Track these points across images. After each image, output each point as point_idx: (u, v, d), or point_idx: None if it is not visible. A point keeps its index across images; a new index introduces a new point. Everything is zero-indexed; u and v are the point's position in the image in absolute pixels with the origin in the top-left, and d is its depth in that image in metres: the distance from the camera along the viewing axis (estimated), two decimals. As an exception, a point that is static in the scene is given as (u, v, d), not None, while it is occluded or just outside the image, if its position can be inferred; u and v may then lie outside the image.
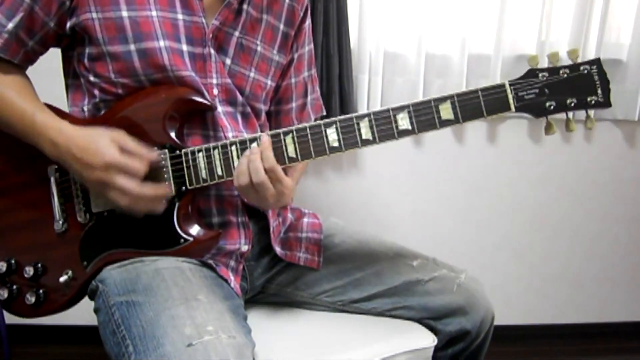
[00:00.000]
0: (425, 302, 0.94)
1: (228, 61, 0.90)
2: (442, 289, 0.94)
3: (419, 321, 0.96)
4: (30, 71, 0.91)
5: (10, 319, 0.93)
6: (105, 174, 0.78)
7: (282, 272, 1.00)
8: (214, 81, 0.88)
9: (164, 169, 0.83)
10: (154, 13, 0.83)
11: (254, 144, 0.81)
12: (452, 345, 0.95)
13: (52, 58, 0.92)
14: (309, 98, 1.07)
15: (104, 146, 0.78)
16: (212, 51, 0.87)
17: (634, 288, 1.85)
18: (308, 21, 1.02)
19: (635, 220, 1.80)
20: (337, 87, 1.50)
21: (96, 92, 0.86)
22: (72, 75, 0.90)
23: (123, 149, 0.79)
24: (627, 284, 1.85)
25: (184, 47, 0.85)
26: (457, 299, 0.93)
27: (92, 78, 0.85)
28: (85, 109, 0.88)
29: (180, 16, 0.85)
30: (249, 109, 0.94)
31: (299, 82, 1.04)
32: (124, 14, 0.81)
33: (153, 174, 0.83)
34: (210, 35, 0.87)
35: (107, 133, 0.80)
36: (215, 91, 0.89)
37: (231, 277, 0.89)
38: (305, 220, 1.03)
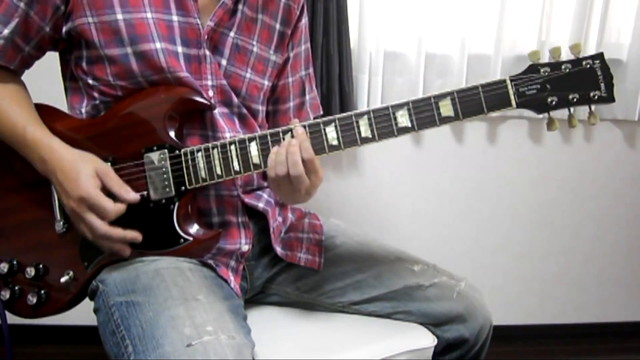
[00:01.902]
0: (424, 308, 0.94)
1: (224, 62, 0.90)
2: (442, 295, 0.94)
3: (418, 325, 0.96)
4: (30, 73, 0.91)
5: (10, 319, 0.93)
6: (77, 206, 0.79)
7: (283, 272, 1.00)
8: (209, 83, 0.88)
9: (163, 169, 0.83)
10: (148, 15, 0.83)
11: (291, 138, 0.79)
12: (450, 352, 0.95)
13: (51, 60, 0.92)
14: (307, 97, 1.06)
15: (84, 178, 0.78)
16: (208, 52, 0.87)
17: (634, 288, 1.85)
18: (304, 20, 1.02)
19: (635, 220, 1.80)
20: (337, 87, 1.50)
21: (95, 94, 0.86)
22: (70, 78, 0.90)
23: (104, 186, 0.79)
24: (627, 284, 1.85)
25: (179, 49, 0.85)
26: (457, 306, 0.93)
27: (90, 81, 0.85)
28: (84, 110, 0.88)
29: (175, 17, 0.85)
30: (245, 110, 0.93)
31: (296, 81, 1.04)
32: (119, 17, 0.81)
33: (152, 176, 0.83)
34: (206, 37, 0.87)
35: (92, 164, 0.81)
36: (211, 92, 0.88)
37: (231, 277, 0.89)
38: (306, 220, 1.03)
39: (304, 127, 0.80)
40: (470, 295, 0.95)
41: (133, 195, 0.81)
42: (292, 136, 0.80)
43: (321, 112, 1.11)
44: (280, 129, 0.81)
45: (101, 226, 0.79)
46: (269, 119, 1.04)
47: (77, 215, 0.80)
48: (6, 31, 0.82)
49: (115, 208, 0.79)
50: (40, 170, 0.82)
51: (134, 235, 0.81)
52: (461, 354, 0.95)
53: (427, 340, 0.93)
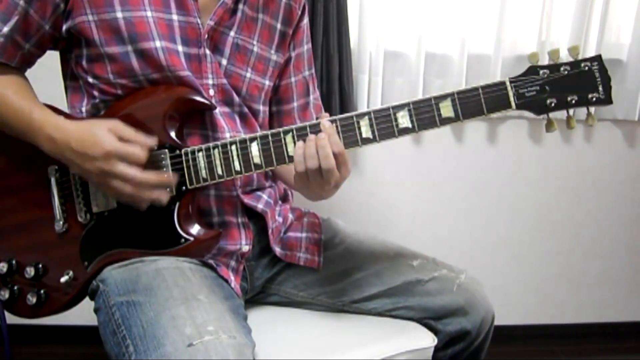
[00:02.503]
0: (425, 302, 0.94)
1: (224, 61, 0.90)
2: (442, 289, 0.94)
3: (419, 321, 0.96)
4: (30, 73, 0.91)
5: (10, 318, 0.92)
6: (105, 163, 0.77)
7: (283, 272, 1.00)
8: (210, 82, 0.88)
9: (164, 169, 0.83)
10: (148, 14, 0.83)
11: (320, 132, 0.79)
12: (452, 345, 0.95)
13: (51, 60, 0.92)
14: (310, 97, 1.06)
15: (102, 136, 0.78)
16: (208, 51, 0.87)
17: (634, 288, 1.85)
18: (306, 19, 1.02)
19: (635, 220, 1.80)
20: (337, 87, 1.50)
21: (95, 93, 0.86)
22: (70, 77, 0.90)
23: (121, 138, 0.78)
24: (627, 284, 1.85)
25: (180, 48, 0.85)
26: (457, 299, 0.93)
27: (90, 79, 0.85)
28: (84, 110, 0.88)
29: (175, 17, 0.85)
30: (246, 110, 0.93)
31: (300, 81, 1.04)
32: (119, 15, 0.81)
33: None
34: (206, 36, 0.87)
35: (103, 123, 0.80)
36: (212, 92, 0.88)
37: (231, 277, 0.89)
38: (305, 220, 1.03)
39: (306, 127, 0.80)
40: (470, 287, 0.95)
41: (152, 140, 0.80)
42: (311, 132, 0.80)
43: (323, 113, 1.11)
44: (281, 129, 0.81)
45: (137, 173, 0.78)
46: (274, 120, 1.04)
47: (107, 174, 0.78)
48: (6, 29, 0.82)
49: (143, 152, 0.78)
50: (50, 151, 0.81)
51: (168, 178, 0.81)
52: (464, 347, 0.95)
53: (427, 340, 0.93)
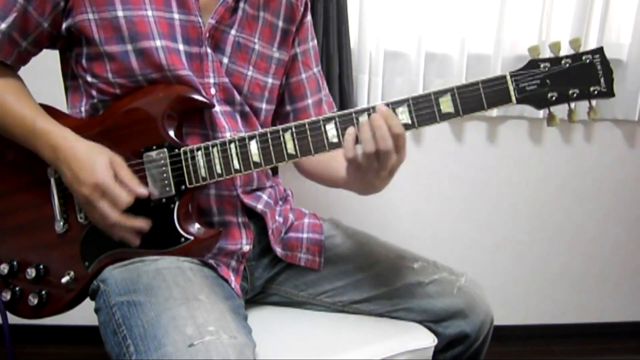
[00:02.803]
0: (425, 305, 0.94)
1: (225, 60, 0.90)
2: (442, 291, 0.94)
3: (419, 323, 0.95)
4: (30, 73, 0.91)
5: (11, 319, 0.92)
6: (91, 193, 0.78)
7: (283, 272, 1.00)
8: (211, 80, 0.88)
9: (163, 168, 0.83)
10: (149, 12, 0.83)
11: (374, 114, 0.76)
12: (452, 348, 0.95)
13: (51, 60, 0.92)
14: (322, 94, 1.06)
15: (99, 166, 0.78)
16: (209, 50, 0.87)
17: (634, 288, 1.85)
18: (309, 16, 1.02)
19: (636, 220, 1.80)
20: (337, 87, 1.50)
21: (94, 92, 0.86)
22: (70, 77, 0.90)
23: (117, 175, 0.79)
24: (627, 284, 1.85)
25: (181, 47, 0.85)
26: (457, 302, 0.93)
27: (89, 79, 0.85)
28: (84, 109, 0.88)
29: (176, 15, 0.85)
30: (247, 108, 0.93)
31: (311, 78, 1.03)
32: (120, 13, 0.81)
33: (152, 175, 0.83)
34: (207, 34, 0.87)
35: (107, 154, 0.81)
36: (213, 90, 0.88)
37: (232, 277, 0.89)
38: (306, 220, 1.03)
39: (305, 124, 0.79)
40: (470, 290, 0.95)
41: (143, 190, 0.81)
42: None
43: (335, 109, 1.10)
44: (280, 127, 0.81)
45: (113, 214, 0.79)
46: (290, 119, 1.03)
47: (90, 203, 0.79)
48: (4, 25, 0.82)
49: (127, 198, 0.79)
50: (49, 159, 0.82)
51: (143, 224, 0.82)
52: (463, 350, 0.95)
53: (427, 340, 0.93)
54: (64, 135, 0.81)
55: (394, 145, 0.75)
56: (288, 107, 1.03)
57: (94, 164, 0.78)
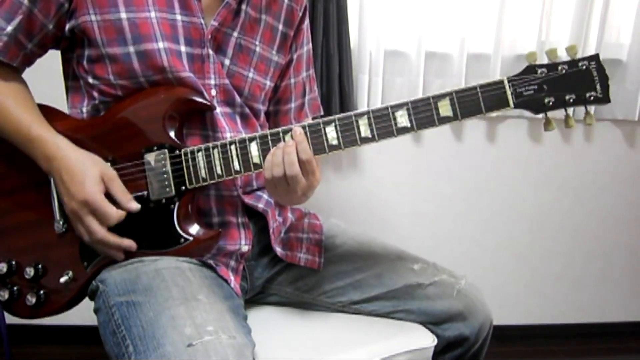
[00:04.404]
0: (424, 307, 0.94)
1: (227, 62, 0.90)
2: (441, 294, 0.94)
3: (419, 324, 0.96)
4: (31, 73, 0.91)
5: (10, 319, 0.92)
6: (79, 208, 0.79)
7: (283, 272, 1.00)
8: (212, 82, 0.88)
9: (164, 169, 0.83)
10: (152, 14, 0.83)
11: (289, 139, 0.80)
12: (450, 351, 0.95)
13: (52, 60, 0.92)
14: (307, 98, 1.07)
15: (90, 181, 0.79)
16: (211, 52, 0.87)
17: (634, 288, 1.85)
18: (306, 21, 1.02)
19: (636, 220, 1.80)
20: (337, 87, 1.50)
21: (95, 94, 0.85)
22: (71, 77, 0.90)
23: (108, 190, 0.80)
24: (627, 284, 1.85)
25: (183, 48, 0.85)
26: (457, 304, 0.93)
27: (91, 80, 0.85)
28: (85, 110, 0.88)
29: (178, 17, 0.85)
30: (247, 110, 0.93)
31: (298, 83, 1.04)
32: (123, 15, 0.81)
33: (152, 175, 0.83)
34: (209, 36, 0.87)
35: (99, 166, 0.81)
36: (214, 92, 0.88)
37: (231, 277, 0.89)
38: (306, 220, 1.03)
39: (304, 127, 0.80)
40: (470, 293, 0.95)
41: (135, 205, 0.82)
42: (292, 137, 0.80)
43: (321, 113, 1.11)
44: (280, 129, 0.81)
45: (99, 231, 0.80)
46: (270, 120, 1.04)
47: (78, 218, 0.80)
48: (9, 28, 0.82)
49: (117, 215, 0.80)
50: (43, 167, 0.82)
51: (130, 243, 0.82)
52: (462, 353, 0.95)
53: (427, 340, 0.93)
54: (56, 143, 0.81)
55: (302, 170, 0.78)
56: (271, 108, 1.04)
57: (84, 178, 0.79)
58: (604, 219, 1.79)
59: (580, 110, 0.81)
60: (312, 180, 0.80)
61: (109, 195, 0.80)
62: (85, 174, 0.79)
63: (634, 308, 1.87)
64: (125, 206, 0.81)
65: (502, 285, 1.79)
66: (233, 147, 0.82)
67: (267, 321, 0.96)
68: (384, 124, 0.80)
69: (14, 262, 0.88)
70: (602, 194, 1.76)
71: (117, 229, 0.83)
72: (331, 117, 0.80)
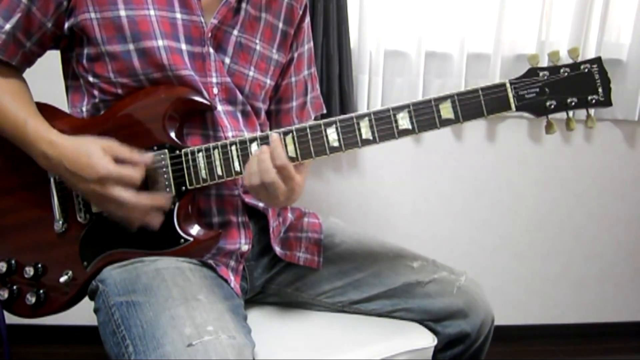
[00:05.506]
0: (425, 304, 0.94)
1: (227, 60, 0.90)
2: (442, 291, 0.94)
3: (419, 323, 0.95)
4: (31, 73, 0.91)
5: (10, 318, 0.92)
6: (100, 187, 0.78)
7: (282, 272, 1.00)
8: (214, 80, 0.88)
9: (164, 169, 0.83)
10: (152, 12, 0.83)
11: (264, 146, 0.79)
12: (452, 348, 0.95)
13: (52, 60, 0.92)
14: (309, 96, 1.06)
15: (96, 158, 0.78)
16: (211, 50, 0.87)
17: (634, 288, 1.85)
18: (307, 19, 1.02)
19: (636, 220, 1.80)
20: (337, 87, 1.50)
21: (95, 92, 0.85)
22: (71, 77, 0.90)
23: (116, 158, 0.79)
24: (628, 284, 1.85)
25: (183, 46, 0.85)
26: (457, 301, 0.93)
27: (91, 78, 0.85)
28: (85, 109, 0.88)
29: (178, 15, 0.85)
30: (249, 108, 0.94)
31: (299, 81, 1.04)
32: (122, 13, 0.81)
33: (152, 176, 0.83)
34: (209, 34, 0.87)
35: (97, 143, 0.80)
36: (215, 90, 0.88)
37: (231, 277, 0.89)
38: (306, 220, 1.03)
39: (306, 128, 0.80)
40: (470, 289, 0.95)
41: (147, 156, 0.80)
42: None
43: (324, 111, 1.11)
44: (280, 130, 0.81)
45: (130, 196, 0.78)
46: (272, 119, 1.04)
47: (101, 196, 0.78)
48: (8, 26, 0.82)
49: (137, 173, 0.79)
50: (43, 166, 0.82)
51: (162, 200, 0.81)
52: (463, 349, 0.95)
53: (427, 340, 0.93)
54: (50, 140, 0.80)
55: (280, 176, 0.77)
56: (272, 107, 1.04)
57: (90, 158, 0.78)
58: (604, 219, 1.79)
59: (581, 111, 0.81)
60: (293, 185, 0.79)
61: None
62: (89, 154, 0.78)
63: (634, 308, 1.87)
64: (139, 161, 0.79)
65: (502, 285, 1.79)
66: (233, 147, 0.82)
67: (267, 321, 0.96)
68: (385, 126, 0.80)
69: (13, 261, 0.89)
70: (602, 194, 1.76)
71: (119, 227, 0.83)
72: (332, 119, 0.80)
